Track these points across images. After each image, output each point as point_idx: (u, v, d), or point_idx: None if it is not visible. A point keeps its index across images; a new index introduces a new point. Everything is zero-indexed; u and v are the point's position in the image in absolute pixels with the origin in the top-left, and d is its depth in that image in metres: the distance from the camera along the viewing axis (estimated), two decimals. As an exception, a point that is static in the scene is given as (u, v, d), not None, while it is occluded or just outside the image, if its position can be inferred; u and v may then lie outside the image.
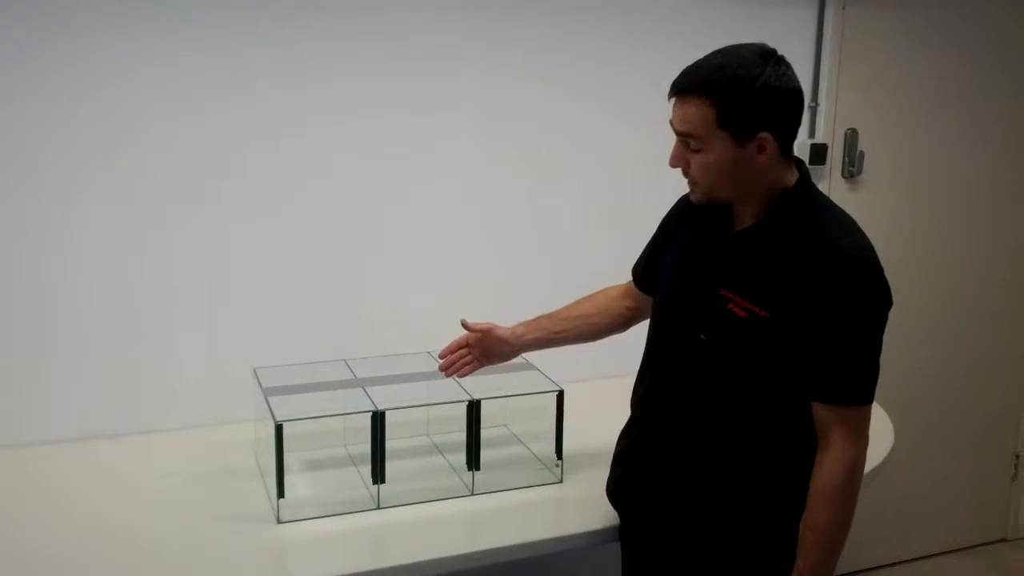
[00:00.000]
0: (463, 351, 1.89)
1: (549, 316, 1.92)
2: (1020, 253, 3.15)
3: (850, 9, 2.72)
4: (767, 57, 1.44)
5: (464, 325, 1.88)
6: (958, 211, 3.03)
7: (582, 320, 1.91)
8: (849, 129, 2.82)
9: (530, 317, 1.92)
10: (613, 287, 1.94)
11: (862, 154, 2.85)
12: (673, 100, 1.48)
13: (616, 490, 1.75)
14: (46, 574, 1.60)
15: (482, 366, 1.90)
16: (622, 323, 1.91)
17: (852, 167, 2.84)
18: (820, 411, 1.47)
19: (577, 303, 1.94)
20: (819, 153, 2.77)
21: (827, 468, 1.46)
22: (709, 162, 1.46)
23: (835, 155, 2.83)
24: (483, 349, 1.89)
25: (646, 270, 1.83)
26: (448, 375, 1.91)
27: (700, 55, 1.50)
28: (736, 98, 1.41)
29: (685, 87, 1.45)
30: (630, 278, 1.89)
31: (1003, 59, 2.97)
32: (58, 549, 1.67)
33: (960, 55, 2.91)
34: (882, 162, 2.88)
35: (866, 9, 2.74)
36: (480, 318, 1.89)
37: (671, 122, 1.49)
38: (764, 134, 1.43)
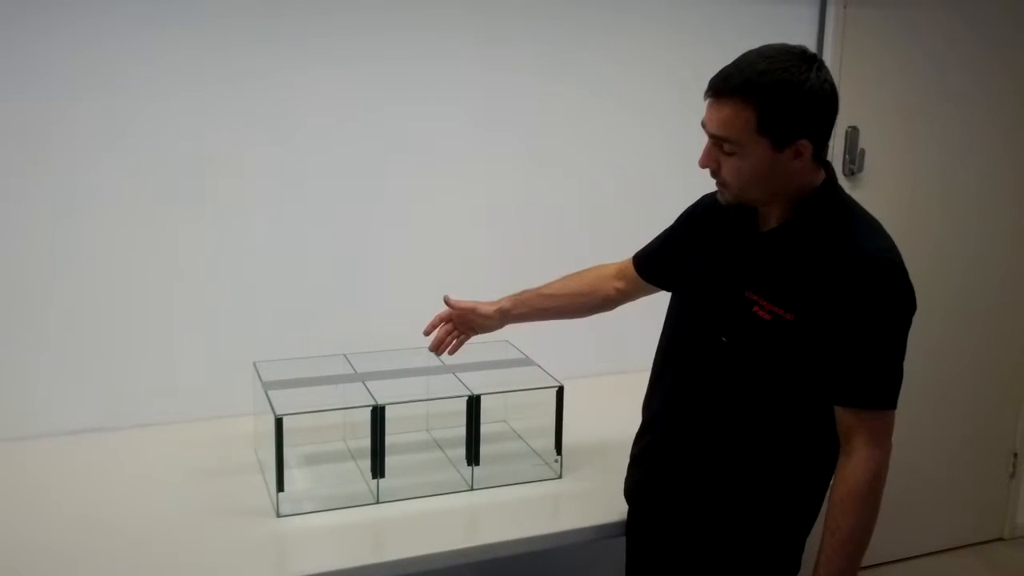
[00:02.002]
0: (447, 327, 1.93)
1: (537, 293, 1.93)
2: (1020, 251, 3.15)
3: (851, 8, 2.72)
4: (810, 61, 1.39)
5: (447, 302, 1.91)
6: (958, 209, 3.03)
7: (570, 299, 1.92)
8: (850, 127, 2.82)
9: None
10: (606, 265, 1.93)
11: (863, 152, 2.85)
12: (709, 100, 1.44)
13: (636, 491, 1.74)
14: (45, 567, 1.60)
15: (468, 339, 1.95)
16: (610, 303, 1.92)
17: (853, 165, 2.84)
18: (844, 416, 1.45)
19: (567, 279, 1.95)
20: (820, 151, 2.77)
21: (851, 474, 1.44)
22: (744, 167, 1.43)
23: (836, 153, 2.82)
24: (466, 323, 1.93)
25: (654, 260, 1.82)
26: (438, 354, 1.94)
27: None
28: (780, 103, 1.37)
29: (725, 89, 1.40)
30: (630, 261, 1.88)
31: (1003, 58, 2.97)
32: (56, 542, 1.67)
33: (961, 54, 2.91)
34: (883, 160, 2.88)
35: (867, 8, 2.74)
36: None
37: (703, 124, 1.45)
38: (803, 141, 1.40)
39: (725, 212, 1.58)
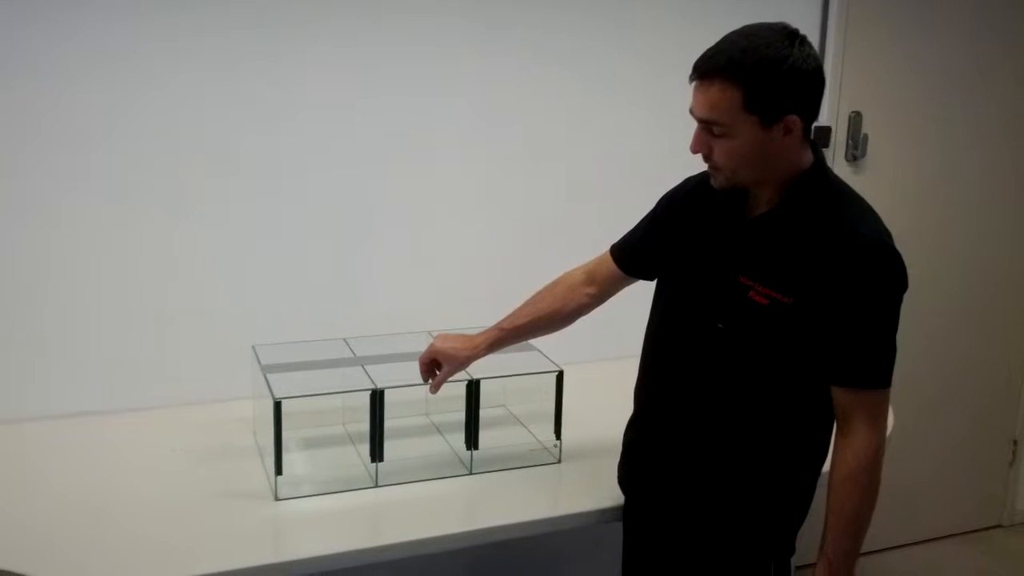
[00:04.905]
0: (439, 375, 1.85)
1: (513, 326, 1.83)
2: (1022, 239, 3.14)
3: (855, -8, 2.70)
4: (792, 37, 1.39)
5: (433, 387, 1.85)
6: (960, 195, 3.02)
7: (541, 319, 1.83)
8: (853, 112, 2.81)
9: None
10: (574, 272, 1.85)
11: (866, 137, 2.83)
12: (694, 84, 1.43)
13: (631, 479, 1.73)
14: (42, 551, 1.59)
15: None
16: (584, 311, 1.84)
17: (856, 150, 2.83)
18: (841, 396, 1.46)
19: (535, 301, 1.85)
20: (823, 136, 2.76)
21: (851, 454, 1.45)
22: (734, 147, 1.43)
23: (839, 138, 2.81)
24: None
25: (637, 252, 1.76)
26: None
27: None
28: (764, 80, 1.37)
29: (709, 70, 1.40)
30: (600, 261, 1.82)
31: (1007, 44, 2.95)
32: (53, 525, 1.67)
33: (964, 40, 2.89)
34: (885, 145, 2.87)
35: (871, -8, 2.73)
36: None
37: (691, 110, 1.45)
38: (791, 116, 1.40)
39: (711, 197, 1.57)
